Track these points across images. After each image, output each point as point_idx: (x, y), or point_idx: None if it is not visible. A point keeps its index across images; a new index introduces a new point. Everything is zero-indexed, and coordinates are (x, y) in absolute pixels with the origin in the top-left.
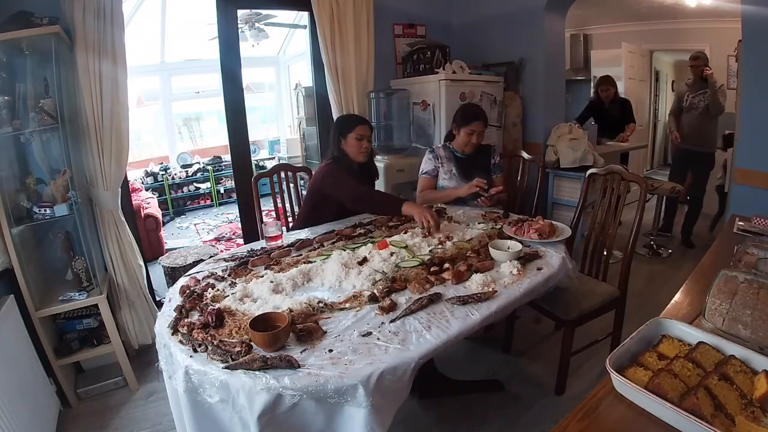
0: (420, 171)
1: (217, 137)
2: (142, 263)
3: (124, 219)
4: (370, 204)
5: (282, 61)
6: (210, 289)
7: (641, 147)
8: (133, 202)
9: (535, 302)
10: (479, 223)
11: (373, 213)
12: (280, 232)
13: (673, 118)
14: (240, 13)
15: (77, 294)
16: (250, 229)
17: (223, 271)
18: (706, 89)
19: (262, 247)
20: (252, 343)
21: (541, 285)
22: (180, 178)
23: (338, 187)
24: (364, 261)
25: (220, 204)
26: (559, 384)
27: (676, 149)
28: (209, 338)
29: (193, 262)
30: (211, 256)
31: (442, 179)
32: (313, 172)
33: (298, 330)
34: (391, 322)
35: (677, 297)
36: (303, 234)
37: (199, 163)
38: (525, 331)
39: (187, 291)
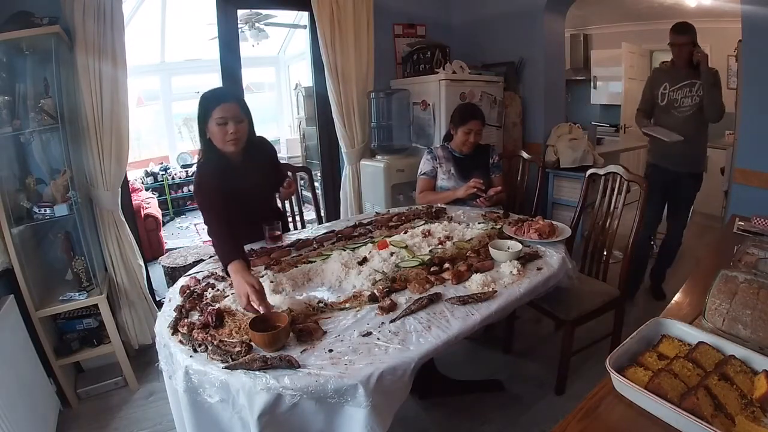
0: (419, 172)
1: None
2: (142, 263)
3: (124, 219)
4: (214, 244)
5: (282, 61)
6: (210, 289)
7: (641, 147)
8: (133, 202)
9: (536, 302)
10: (479, 223)
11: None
12: (280, 232)
13: (644, 117)
14: (240, 13)
15: (77, 294)
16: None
17: (223, 271)
18: (696, 80)
19: (262, 247)
20: (252, 344)
21: (541, 285)
22: (180, 178)
23: (203, 212)
24: (364, 261)
25: None
26: (559, 384)
27: (650, 169)
28: (209, 338)
29: (193, 262)
30: (211, 256)
31: (441, 179)
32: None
33: (298, 330)
34: (391, 322)
35: (677, 297)
36: (303, 234)
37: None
38: (525, 331)
39: (187, 291)
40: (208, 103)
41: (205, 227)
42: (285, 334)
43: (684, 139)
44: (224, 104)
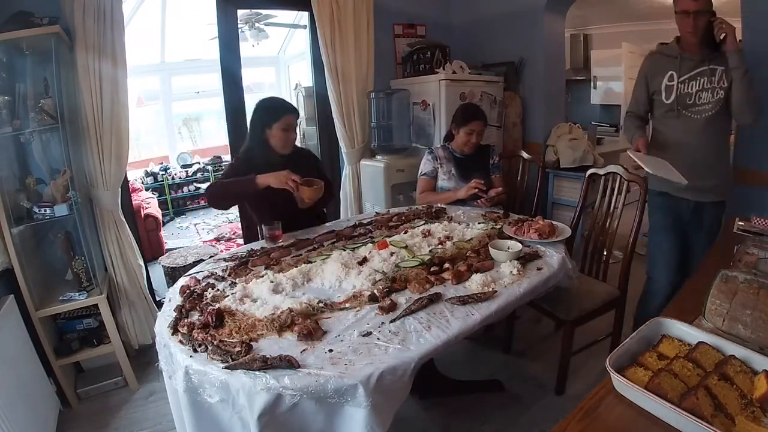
0: (419, 172)
1: (217, 137)
2: (142, 263)
3: (124, 219)
4: (222, 190)
5: (282, 61)
6: (210, 289)
7: None
8: (133, 202)
9: (536, 302)
10: (479, 223)
11: (231, 200)
12: (280, 232)
13: (634, 124)
14: (240, 13)
15: (77, 294)
16: (250, 229)
17: (223, 271)
18: (718, 65)
19: (262, 247)
20: (252, 343)
21: (541, 285)
22: (180, 178)
23: (223, 178)
24: (364, 261)
25: None
26: (559, 384)
27: (657, 199)
28: (209, 338)
29: (193, 262)
30: (211, 256)
31: (441, 180)
32: None
33: (298, 330)
34: (391, 322)
35: (677, 297)
36: (303, 234)
37: (199, 163)
38: (525, 331)
39: (187, 291)
40: (278, 110)
41: (209, 198)
42: (322, 190)
43: (705, 152)
44: (291, 115)
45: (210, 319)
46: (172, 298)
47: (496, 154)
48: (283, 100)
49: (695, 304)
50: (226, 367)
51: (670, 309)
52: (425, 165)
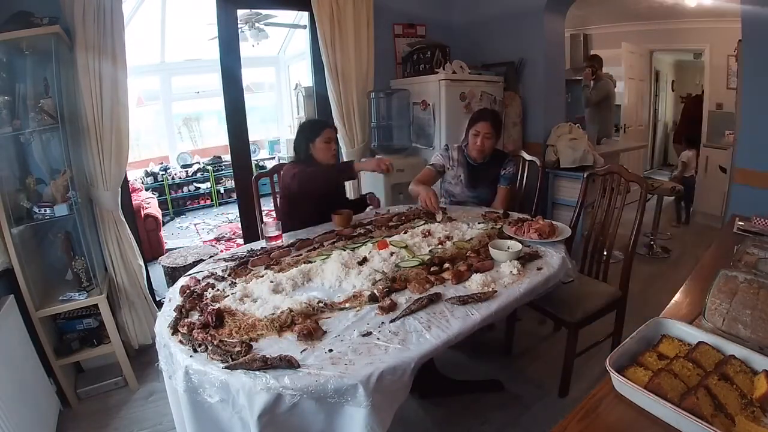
0: (428, 162)
1: (217, 137)
2: (142, 263)
3: (124, 219)
4: (315, 175)
5: (282, 61)
6: (210, 289)
7: (641, 147)
8: (133, 202)
9: (539, 305)
10: (479, 223)
11: (315, 188)
12: (280, 232)
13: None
14: (240, 13)
15: (77, 294)
16: (250, 229)
17: (223, 271)
18: None
19: (262, 247)
20: (252, 343)
21: (541, 285)
22: (180, 178)
23: (309, 177)
24: (364, 261)
25: (220, 204)
26: (563, 386)
27: None
28: (209, 338)
29: (193, 262)
30: (211, 256)
31: (449, 183)
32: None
33: (298, 330)
34: (391, 322)
35: (677, 297)
36: (303, 234)
37: (199, 163)
38: (525, 332)
39: (187, 291)
40: (320, 126)
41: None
42: (351, 219)
43: None
44: (330, 129)
45: (210, 319)
46: (172, 298)
47: (512, 165)
48: (321, 118)
49: (695, 304)
50: (226, 367)
51: (670, 309)
52: (436, 157)
